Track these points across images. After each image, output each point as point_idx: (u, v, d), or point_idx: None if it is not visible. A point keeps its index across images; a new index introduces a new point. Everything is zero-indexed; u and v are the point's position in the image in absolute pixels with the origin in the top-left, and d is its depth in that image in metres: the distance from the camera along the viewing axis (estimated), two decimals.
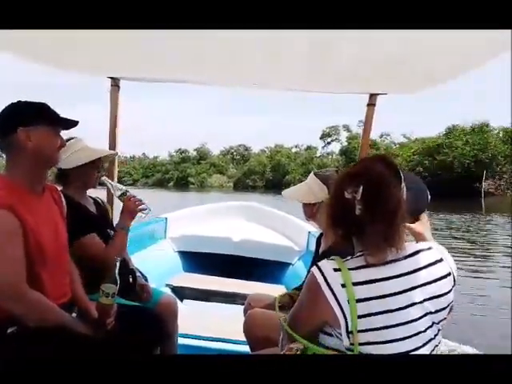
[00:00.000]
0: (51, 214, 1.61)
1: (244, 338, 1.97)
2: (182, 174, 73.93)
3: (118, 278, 1.61)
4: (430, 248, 1.20)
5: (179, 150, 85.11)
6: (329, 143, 66.93)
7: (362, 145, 2.77)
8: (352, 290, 1.09)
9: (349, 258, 1.18)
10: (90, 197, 2.15)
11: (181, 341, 2.23)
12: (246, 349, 2.04)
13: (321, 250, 2.04)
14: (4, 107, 1.51)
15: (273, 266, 4.34)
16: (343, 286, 1.10)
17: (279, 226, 5.12)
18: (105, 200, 2.35)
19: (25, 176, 1.50)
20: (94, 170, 2.02)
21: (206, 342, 2.41)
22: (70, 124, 1.62)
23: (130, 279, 2.08)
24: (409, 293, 1.11)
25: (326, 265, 1.16)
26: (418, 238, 1.37)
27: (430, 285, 1.13)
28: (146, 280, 2.25)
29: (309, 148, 71.53)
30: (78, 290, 1.68)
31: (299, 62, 2.04)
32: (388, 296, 1.10)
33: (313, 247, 2.32)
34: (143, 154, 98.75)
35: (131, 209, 2.00)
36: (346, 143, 59.59)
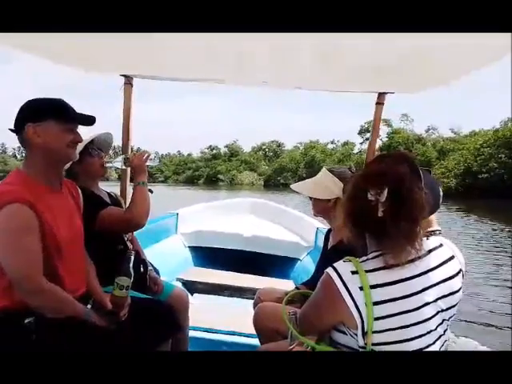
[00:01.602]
0: (68, 208, 1.63)
1: (254, 331, 2.00)
2: (213, 171, 72.16)
3: (132, 271, 1.65)
4: (441, 245, 1.19)
5: (210, 146, 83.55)
6: (367, 139, 61.67)
7: (371, 143, 2.78)
8: (369, 292, 1.09)
9: (364, 258, 1.16)
10: (104, 190, 2.19)
11: (192, 333, 2.27)
12: (255, 341, 2.08)
13: (329, 246, 2.06)
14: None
15: (282, 261, 4.38)
16: (361, 288, 1.10)
17: (288, 223, 5.15)
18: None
19: (40, 171, 1.53)
20: (93, 158, 2.02)
21: (217, 334, 2.45)
22: (86, 120, 1.61)
23: (141, 269, 2.11)
24: (423, 293, 1.11)
25: (344, 267, 1.14)
26: (426, 225, 1.35)
27: (443, 283, 1.14)
28: (158, 274, 2.29)
29: (346, 144, 65.46)
30: (92, 283, 1.71)
31: (308, 61, 2.04)
32: (404, 298, 1.10)
33: (321, 243, 2.34)
34: (178, 151, 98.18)
35: (139, 164, 2.01)
36: (385, 138, 54.18)
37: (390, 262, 1.11)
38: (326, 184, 1.95)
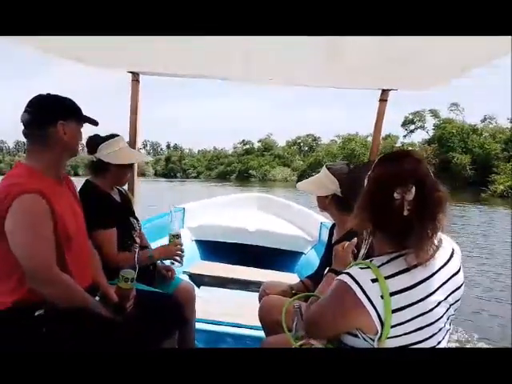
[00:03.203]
0: (70, 200, 1.68)
1: (258, 323, 2.04)
2: (245, 166, 68.36)
3: (137, 264, 1.69)
4: (441, 240, 1.18)
5: (243, 141, 79.92)
6: (412, 131, 54.60)
7: (374, 139, 2.78)
8: (389, 300, 1.07)
9: (379, 261, 1.12)
10: (115, 187, 2.24)
11: (198, 325, 2.31)
12: (260, 333, 2.12)
13: (334, 240, 2.09)
14: (37, 99, 1.57)
15: (286, 255, 4.41)
16: (382, 297, 1.08)
17: (293, 217, 5.17)
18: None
19: (50, 166, 1.57)
20: (129, 169, 2.17)
21: (222, 326, 2.50)
22: (91, 122, 1.71)
23: (151, 266, 2.17)
24: (436, 293, 1.11)
25: (363, 275, 1.10)
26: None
27: (451, 280, 1.14)
28: None
29: (388, 136, 57.69)
30: (98, 275, 1.74)
31: (313, 58, 2.05)
32: (421, 300, 1.09)
33: (325, 237, 2.37)
34: (214, 147, 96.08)
35: (170, 251, 2.15)
36: (432, 131, 48.05)
37: (413, 263, 1.09)
38: (321, 181, 1.99)
